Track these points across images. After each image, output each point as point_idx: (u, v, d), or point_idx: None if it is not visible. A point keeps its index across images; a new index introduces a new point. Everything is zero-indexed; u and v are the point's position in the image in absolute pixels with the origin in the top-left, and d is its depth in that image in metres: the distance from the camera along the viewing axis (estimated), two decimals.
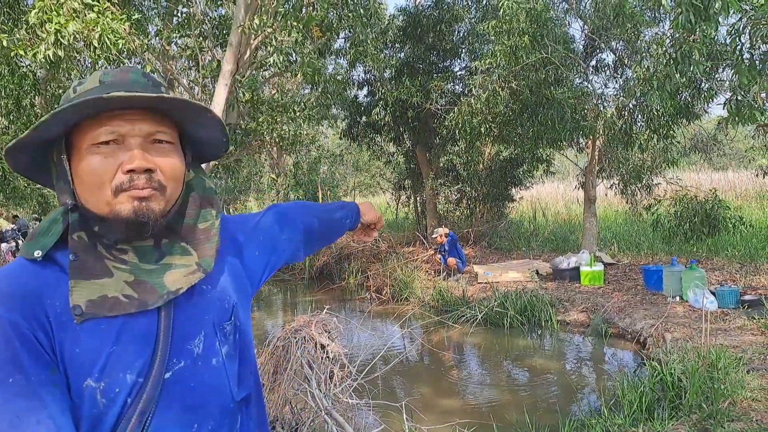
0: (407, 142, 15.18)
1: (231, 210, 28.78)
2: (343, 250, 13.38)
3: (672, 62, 6.62)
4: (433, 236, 11.27)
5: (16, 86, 9.72)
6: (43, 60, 5.48)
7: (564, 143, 10.75)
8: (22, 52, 5.74)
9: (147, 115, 0.99)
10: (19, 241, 17.47)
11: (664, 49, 7.17)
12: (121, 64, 7.62)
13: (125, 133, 0.97)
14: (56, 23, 5.12)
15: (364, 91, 14.67)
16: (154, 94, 0.97)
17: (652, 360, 5.52)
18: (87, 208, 0.99)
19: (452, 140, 13.35)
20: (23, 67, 9.98)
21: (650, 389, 4.77)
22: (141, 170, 0.96)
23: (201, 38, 7.70)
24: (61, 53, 5.41)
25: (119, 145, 0.97)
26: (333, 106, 14.24)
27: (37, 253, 0.96)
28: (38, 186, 19.39)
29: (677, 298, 7.75)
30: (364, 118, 14.82)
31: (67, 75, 11.39)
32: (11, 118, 9.99)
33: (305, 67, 7.63)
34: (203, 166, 1.20)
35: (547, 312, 8.14)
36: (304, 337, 3.74)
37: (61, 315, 0.94)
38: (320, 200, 19.76)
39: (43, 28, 5.40)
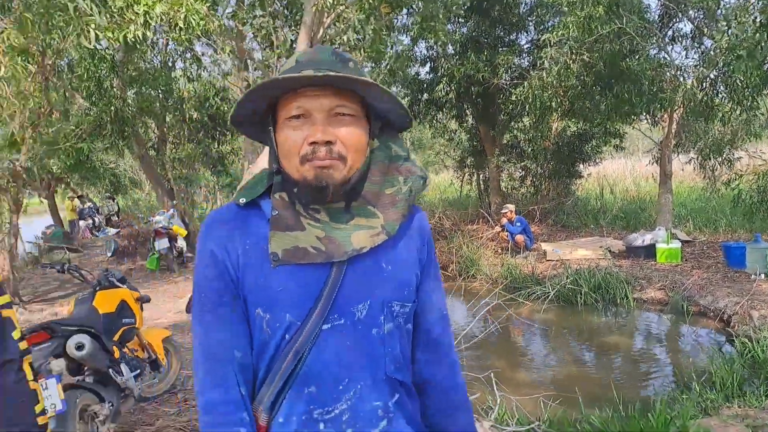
0: (470, 119, 15.00)
1: None
2: None
3: (762, 29, 6.30)
4: (503, 212, 11.16)
5: (96, 69, 10.13)
6: (133, 40, 5.69)
7: (639, 117, 10.41)
8: (110, 34, 5.97)
9: (330, 91, 1.07)
10: (96, 218, 18.20)
11: (752, 16, 6.83)
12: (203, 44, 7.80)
13: (311, 108, 1.07)
14: (144, 5, 5.32)
15: (426, 67, 14.57)
16: (322, 72, 1.03)
17: (741, 337, 5.35)
18: (287, 173, 1.11)
19: (518, 116, 13.13)
20: (101, 50, 10.39)
21: (741, 366, 4.64)
22: (322, 142, 1.06)
23: (273, 18, 7.81)
24: (149, 34, 5.61)
25: (307, 118, 1.07)
26: (393, 84, 14.22)
27: (242, 200, 1.14)
28: (110, 167, 20.26)
29: (762, 276, 7.45)
30: (425, 96, 14.72)
31: (141, 56, 11.82)
32: (93, 99, 10.41)
33: (377, 44, 7.63)
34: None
35: (622, 289, 7.99)
36: None
37: (249, 250, 1.11)
38: None
39: (131, 10, 5.60)
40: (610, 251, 9.95)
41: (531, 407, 4.40)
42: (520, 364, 6.13)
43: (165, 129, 14.20)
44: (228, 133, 14.76)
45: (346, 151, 1.08)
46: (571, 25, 8.73)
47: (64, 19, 6.61)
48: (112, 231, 16.88)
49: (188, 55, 12.79)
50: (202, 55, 12.50)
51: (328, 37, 8.00)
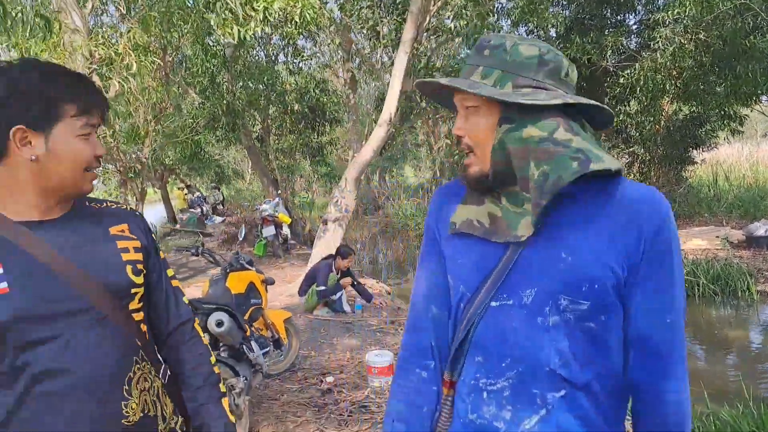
0: None
1: (386, 178, 29.62)
2: None
3: None
4: None
5: (209, 64, 10.68)
6: (252, 36, 5.96)
7: (759, 98, 9.72)
8: (228, 31, 6.28)
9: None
10: (204, 207, 19.17)
11: None
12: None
13: (456, 103, 1.16)
14: (264, 2, 5.56)
15: None
16: (445, 80, 1.12)
17: None
18: None
19: (625, 100, 12.58)
20: (213, 47, 10.94)
21: None
22: (457, 138, 1.15)
23: (378, 9, 7.92)
24: (268, 30, 5.86)
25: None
26: None
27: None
28: (216, 158, 21.30)
29: None
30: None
31: (248, 51, 12.34)
32: (207, 94, 11.00)
33: (480, 28, 7.56)
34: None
35: (744, 281, 7.52)
36: None
37: (447, 224, 1.21)
38: None
39: (250, 6, 5.87)
40: (728, 241, 9.38)
41: None
42: None
43: (269, 121, 14.77)
44: (327, 124, 15.13)
45: (472, 143, 1.12)
46: (688, 3, 8.26)
47: (182, 17, 7.04)
48: (218, 219, 17.82)
49: (290, 49, 13.22)
50: (303, 49, 12.89)
51: (432, 24, 8.01)
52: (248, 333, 4.07)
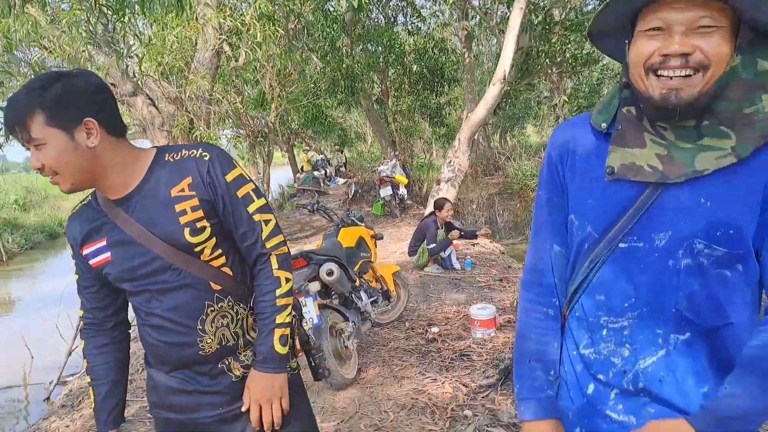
0: None
1: (507, 138, 29.04)
2: None
3: None
4: None
5: (330, 29, 11.06)
6: (366, 1, 6.15)
7: None
8: None
9: (695, 2, 1.00)
10: (327, 169, 19.98)
11: None
12: None
13: (672, 21, 1.01)
14: None
15: None
16: None
17: None
18: (635, 87, 1.10)
19: None
20: (333, 12, 11.29)
21: None
22: (676, 54, 1.01)
23: None
24: None
25: (664, 32, 1.03)
26: None
27: (603, 125, 1.17)
28: (339, 121, 22.02)
29: None
30: None
31: (367, 15, 12.58)
32: (327, 59, 11.43)
33: None
34: None
35: None
36: None
37: (577, 161, 1.20)
38: None
39: None
40: None
41: None
42: None
43: (387, 83, 15.02)
44: (445, 84, 15.12)
45: (707, 61, 1.00)
46: None
47: None
48: (341, 181, 18.54)
49: (408, 10, 13.28)
50: (422, 8, 12.89)
51: None
52: (357, 283, 4.38)
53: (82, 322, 1.56)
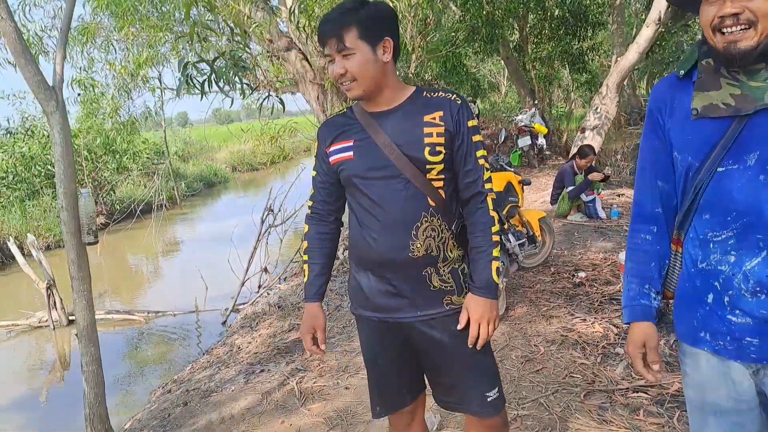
0: None
1: (648, 88, 27.01)
2: None
3: None
4: None
5: None
6: None
7: None
8: None
9: None
10: None
11: None
12: None
13: None
14: None
15: None
16: None
17: None
18: (709, 42, 1.32)
19: None
20: None
21: None
22: (728, 15, 1.23)
23: None
24: None
25: None
26: None
27: (681, 72, 1.40)
28: (474, 71, 21.66)
29: None
30: None
31: None
32: (467, 6, 11.30)
33: None
34: None
35: None
36: None
37: (675, 108, 1.41)
38: None
39: None
40: None
41: None
42: None
43: (527, 29, 14.56)
44: (589, 28, 14.36)
45: (755, 17, 1.21)
46: None
47: None
48: None
49: None
50: None
51: None
52: (506, 226, 4.53)
53: (310, 210, 1.88)
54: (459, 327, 1.73)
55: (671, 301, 1.53)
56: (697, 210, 1.37)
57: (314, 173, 1.87)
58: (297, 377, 3.61)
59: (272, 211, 6.86)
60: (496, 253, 1.72)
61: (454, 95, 1.73)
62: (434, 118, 1.68)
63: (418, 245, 1.70)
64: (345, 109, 1.83)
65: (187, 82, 3.18)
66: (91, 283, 3.08)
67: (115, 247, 10.94)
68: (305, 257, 1.89)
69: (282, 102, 3.73)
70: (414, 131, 1.68)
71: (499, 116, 21.97)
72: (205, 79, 3.20)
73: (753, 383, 1.35)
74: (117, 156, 14.35)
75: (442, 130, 1.67)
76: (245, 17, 7.03)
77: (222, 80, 3.20)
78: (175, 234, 12.90)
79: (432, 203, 1.70)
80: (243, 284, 6.29)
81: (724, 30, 1.24)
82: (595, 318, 3.95)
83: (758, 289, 1.27)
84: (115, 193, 14.09)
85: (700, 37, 1.37)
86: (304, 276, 1.89)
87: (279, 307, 5.18)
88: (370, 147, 1.70)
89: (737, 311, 1.31)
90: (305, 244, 1.89)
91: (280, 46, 7.79)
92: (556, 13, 13.64)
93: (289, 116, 8.35)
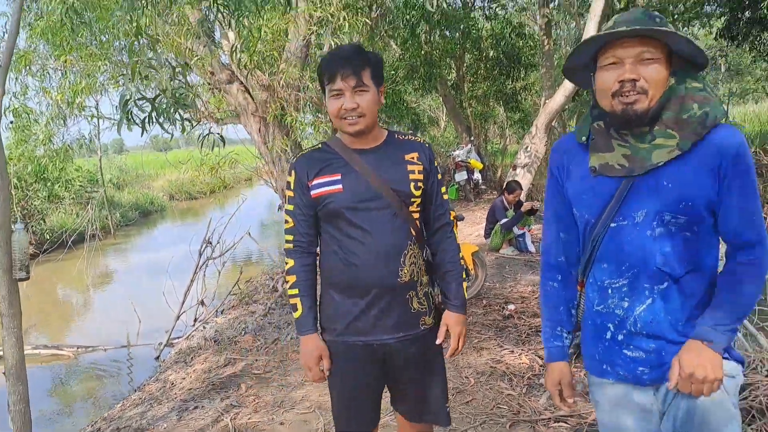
0: None
1: None
2: None
3: None
4: None
5: (409, 16, 11.31)
6: None
7: None
8: None
9: (637, 41, 1.39)
10: None
11: None
12: None
13: (622, 56, 1.40)
14: None
15: None
16: (630, 28, 1.36)
17: None
18: (602, 107, 1.49)
19: None
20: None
21: None
22: (628, 80, 1.39)
23: None
24: None
25: (618, 65, 1.41)
26: (707, 5, 12.81)
27: (583, 138, 1.57)
28: (413, 106, 22.20)
29: None
30: (747, 13, 12.92)
31: (445, 1, 12.71)
32: (406, 45, 11.70)
33: None
34: None
35: None
36: None
37: (571, 169, 1.57)
38: None
39: None
40: None
41: None
42: None
43: (464, 68, 15.14)
44: (522, 69, 15.07)
45: (648, 86, 1.38)
46: None
47: None
48: None
49: None
50: None
51: None
52: None
53: (292, 245, 1.94)
54: (438, 341, 1.97)
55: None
56: (595, 260, 1.54)
57: (291, 206, 1.94)
58: (231, 413, 3.62)
59: (210, 243, 6.81)
60: (463, 275, 2.00)
61: (422, 139, 1.98)
62: (413, 158, 1.90)
63: (405, 271, 1.87)
64: (320, 145, 1.97)
65: (127, 118, 3.21)
66: (21, 320, 3.03)
67: (44, 278, 10.52)
68: (294, 291, 1.94)
69: (222, 138, 3.81)
70: (398, 168, 1.87)
71: (437, 150, 22.45)
72: (146, 117, 3.24)
73: (655, 401, 1.53)
74: (48, 184, 13.86)
75: (421, 168, 1.89)
76: (187, 50, 7.08)
77: (163, 117, 3.25)
78: (109, 265, 12.51)
79: (413, 233, 1.89)
80: (178, 318, 6.20)
81: (624, 94, 1.40)
82: (522, 350, 4.14)
83: (645, 330, 1.47)
84: (45, 222, 13.58)
85: (593, 102, 1.53)
86: (297, 311, 1.94)
87: (215, 342, 5.15)
88: (358, 180, 1.84)
89: (631, 347, 1.50)
90: (292, 278, 1.94)
91: (221, 78, 7.85)
92: (491, 54, 14.26)
93: (232, 144, 8.34)
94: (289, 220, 1.94)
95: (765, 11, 11.83)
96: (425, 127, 27.44)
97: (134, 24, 3.03)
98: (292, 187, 1.93)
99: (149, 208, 20.11)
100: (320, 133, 13.17)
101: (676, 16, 12.07)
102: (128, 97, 3.23)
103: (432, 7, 9.74)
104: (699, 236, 1.44)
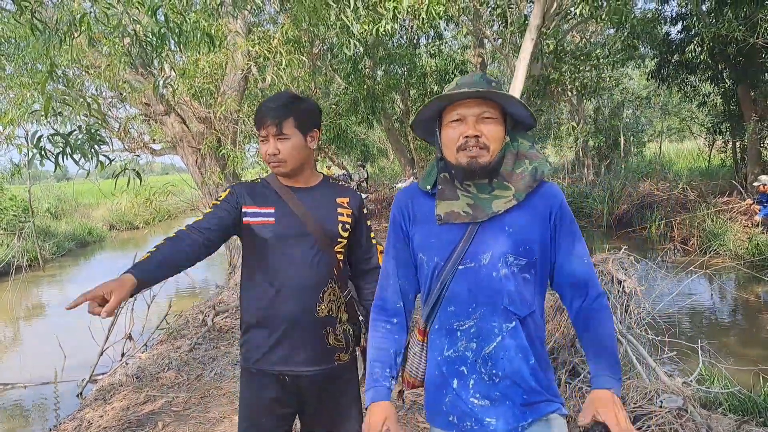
0: (727, 81, 13.60)
1: None
2: (645, 198, 12.90)
3: None
4: (755, 185, 10.17)
5: (352, 53, 11.52)
6: (383, 33, 6.59)
7: None
8: (366, 27, 6.95)
9: (478, 102, 1.54)
10: (349, 184, 20.35)
11: None
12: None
13: (465, 114, 1.54)
14: (394, 1, 6.13)
15: (678, 27, 13.52)
16: (473, 89, 1.51)
17: None
18: (447, 160, 1.60)
19: None
20: (353, 36, 11.74)
21: None
22: (472, 136, 1.53)
23: None
24: (396, 26, 6.43)
25: (462, 122, 1.54)
26: (640, 46, 13.52)
27: (428, 187, 1.66)
28: (361, 138, 22.48)
29: None
30: (676, 57, 13.71)
31: (389, 38, 13.04)
32: (349, 79, 11.89)
33: (618, 7, 7.54)
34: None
35: None
36: (601, 271, 4.09)
37: (417, 216, 1.66)
38: (621, 147, 18.89)
39: (383, 6, 6.48)
40: None
41: (744, 378, 4.33)
42: (748, 340, 5.84)
43: (409, 103, 15.47)
44: None
45: (488, 142, 1.53)
46: None
47: (327, 12, 7.80)
48: (363, 196, 18.96)
49: (431, 33, 13.71)
50: (444, 30, 13.30)
51: (562, 9, 8.12)
52: None
53: (185, 227, 1.83)
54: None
55: (421, 389, 1.71)
56: (442, 303, 1.58)
57: (210, 210, 1.92)
58: None
59: None
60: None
61: (353, 187, 2.13)
62: (344, 202, 2.03)
63: (323, 307, 1.94)
64: (259, 179, 2.06)
65: (40, 154, 3.19)
66: None
67: None
68: (153, 249, 1.74)
69: (139, 175, 3.81)
70: (329, 210, 2.00)
71: (382, 182, 22.71)
72: (60, 152, 3.23)
73: None
74: None
75: (350, 212, 2.03)
76: (121, 81, 7.04)
77: (77, 153, 3.24)
78: (40, 297, 12.05)
79: (336, 272, 1.97)
80: (102, 352, 6.03)
81: (468, 148, 1.52)
82: None
83: (494, 371, 1.52)
84: None
85: (439, 154, 1.64)
86: (142, 258, 1.72)
87: (137, 378, 5.03)
88: (291, 216, 1.95)
89: (478, 394, 1.53)
90: (160, 242, 1.77)
91: (158, 110, 7.82)
92: (435, 89, 14.63)
93: (181, 172, 8.23)
94: (202, 216, 1.90)
95: (690, 55, 12.59)
96: (374, 158, 27.80)
97: (49, 60, 3.02)
98: (221, 199, 1.97)
99: (87, 239, 19.52)
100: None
101: (609, 56, 12.74)
102: (40, 133, 3.22)
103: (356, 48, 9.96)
104: (536, 278, 1.57)
